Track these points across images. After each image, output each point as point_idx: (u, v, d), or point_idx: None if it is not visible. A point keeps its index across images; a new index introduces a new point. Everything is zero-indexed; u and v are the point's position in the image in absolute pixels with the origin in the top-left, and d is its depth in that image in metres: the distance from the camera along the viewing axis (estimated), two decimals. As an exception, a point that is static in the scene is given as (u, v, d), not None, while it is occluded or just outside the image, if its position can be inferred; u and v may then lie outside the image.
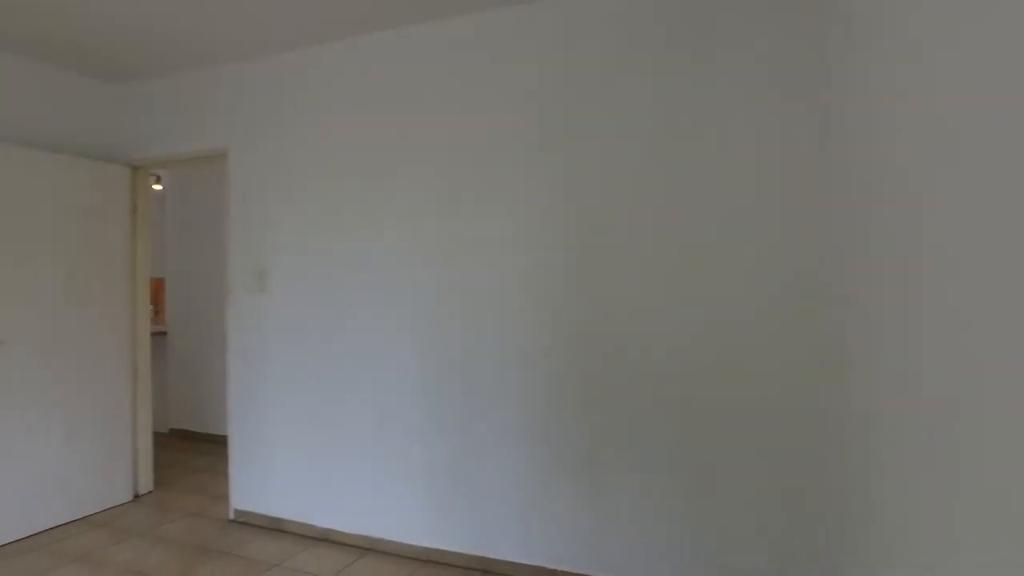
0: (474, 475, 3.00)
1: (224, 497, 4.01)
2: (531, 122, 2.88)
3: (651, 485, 2.66)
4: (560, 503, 2.83)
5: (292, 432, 3.46)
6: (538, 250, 2.87)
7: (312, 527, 3.39)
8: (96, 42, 3.32)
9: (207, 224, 5.51)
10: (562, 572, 2.81)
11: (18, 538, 3.40)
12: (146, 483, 4.11)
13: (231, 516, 3.66)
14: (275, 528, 3.50)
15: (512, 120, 2.92)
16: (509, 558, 2.92)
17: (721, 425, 2.55)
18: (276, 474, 3.51)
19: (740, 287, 2.53)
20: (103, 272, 3.81)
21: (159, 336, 5.74)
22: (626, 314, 2.70)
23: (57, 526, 3.58)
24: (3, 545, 3.31)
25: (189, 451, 5.17)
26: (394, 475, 3.19)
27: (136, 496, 4.03)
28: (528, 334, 2.88)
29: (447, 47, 3.07)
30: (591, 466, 2.77)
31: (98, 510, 3.78)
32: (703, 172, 2.58)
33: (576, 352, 2.80)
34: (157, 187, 5.82)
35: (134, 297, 4.02)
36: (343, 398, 3.31)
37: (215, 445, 5.33)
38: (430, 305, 3.10)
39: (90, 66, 3.71)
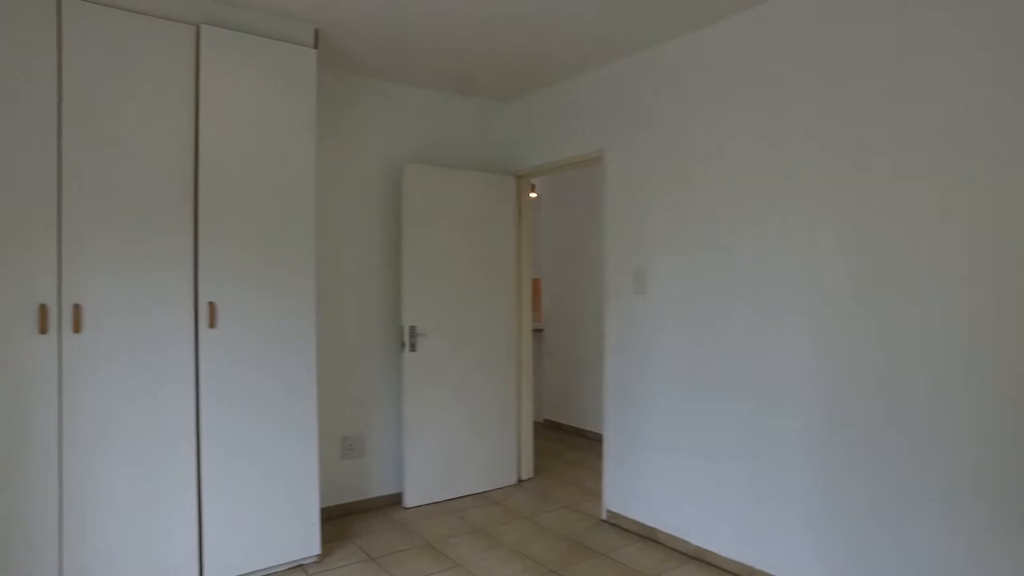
0: (880, 521, 2.44)
1: (596, 495, 4.09)
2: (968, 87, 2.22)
3: None
4: (1026, 579, 2.11)
5: (667, 439, 3.32)
6: (991, 239, 2.19)
7: (686, 543, 3.20)
8: (490, 72, 3.66)
9: (578, 227, 5.78)
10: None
11: (434, 501, 3.93)
12: (527, 470, 4.43)
13: (603, 516, 3.68)
14: (647, 536, 3.41)
15: (942, 91, 2.29)
16: (941, 633, 2.30)
17: None
18: (650, 480, 3.41)
19: None
20: (496, 273, 4.21)
21: (536, 332, 6.24)
22: None
23: (461, 496, 4.05)
24: (426, 505, 3.87)
25: (561, 442, 5.48)
26: (779, 503, 2.80)
27: (519, 481, 4.36)
28: (976, 351, 2.22)
29: (848, 13, 2.56)
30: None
31: (490, 488, 4.18)
32: None
33: (1055, 378, 2.05)
34: (532, 195, 6.34)
35: (519, 296, 4.36)
36: (722, 411, 3.04)
37: (585, 440, 5.55)
38: (830, 317, 2.63)
39: (485, 92, 4.13)
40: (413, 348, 3.80)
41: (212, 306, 2.75)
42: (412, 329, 3.80)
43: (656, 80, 3.37)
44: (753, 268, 2.91)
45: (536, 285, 6.50)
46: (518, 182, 4.37)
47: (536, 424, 6.13)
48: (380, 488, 3.89)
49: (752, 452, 2.91)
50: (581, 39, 3.30)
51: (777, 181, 2.82)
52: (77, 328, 2.49)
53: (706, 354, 3.11)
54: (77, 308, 2.49)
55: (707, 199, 3.12)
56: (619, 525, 3.58)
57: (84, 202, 2.51)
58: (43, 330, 2.43)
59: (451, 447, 3.99)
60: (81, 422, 2.50)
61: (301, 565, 3.02)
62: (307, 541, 3.02)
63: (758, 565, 2.88)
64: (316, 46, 3.10)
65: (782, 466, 2.80)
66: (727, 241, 3.02)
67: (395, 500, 3.93)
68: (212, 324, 2.75)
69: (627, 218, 3.54)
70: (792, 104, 2.77)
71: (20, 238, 2.40)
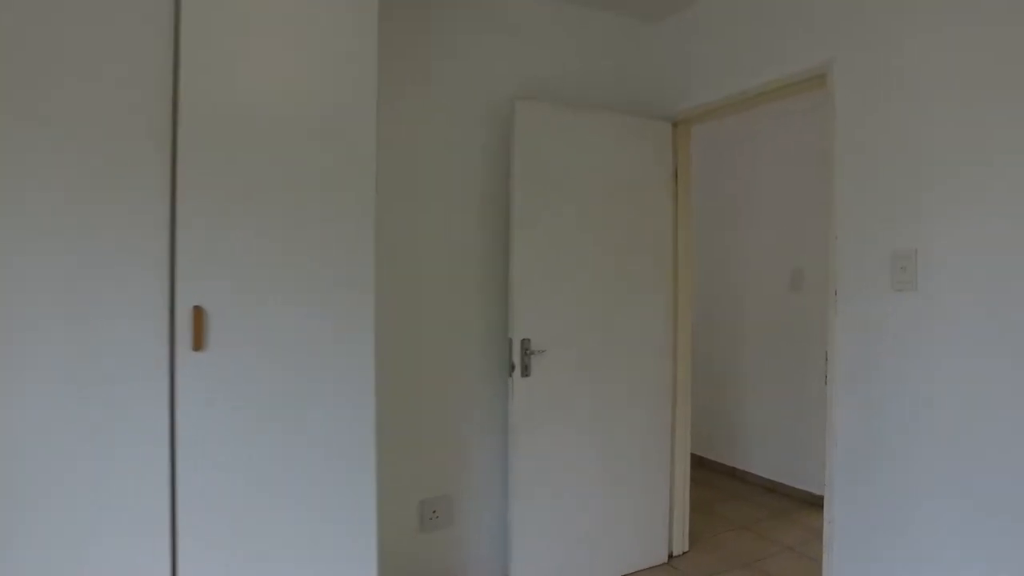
0: None
1: (793, 592, 2.73)
2: None
3: None
4: None
5: (967, 540, 1.92)
6: None
7: None
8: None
9: (731, 202, 4.36)
10: None
11: (548, 596, 2.70)
12: (681, 541, 3.11)
13: (823, 640, 2.33)
14: None
15: None
16: None
17: None
18: (919, 607, 2.03)
19: None
20: (645, 261, 2.90)
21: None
22: None
23: (587, 586, 2.80)
24: (534, 602, 2.65)
25: (711, 487, 4.11)
26: None
27: (670, 557, 3.05)
28: None
29: None
30: None
31: (631, 571, 2.90)
32: None
33: None
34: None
35: (676, 294, 3.04)
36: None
37: (740, 484, 4.16)
38: None
39: (627, 5, 2.85)
40: (526, 372, 2.57)
41: (199, 315, 1.62)
42: (525, 344, 2.57)
43: (947, -71, 1.95)
44: None
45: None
46: (675, 130, 3.03)
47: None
48: (476, 570, 2.70)
49: None
50: None
51: None
52: (-43, 353, 1.41)
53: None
54: (-45, 318, 1.42)
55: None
56: (852, 663, 2.22)
57: (-30, 131, 1.43)
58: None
59: (578, 511, 2.74)
60: (-30, 515, 1.43)
61: None
62: None
63: None
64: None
65: None
66: None
67: (497, 588, 2.73)
68: (199, 344, 1.62)
69: (879, 167, 2.14)
70: None
71: None
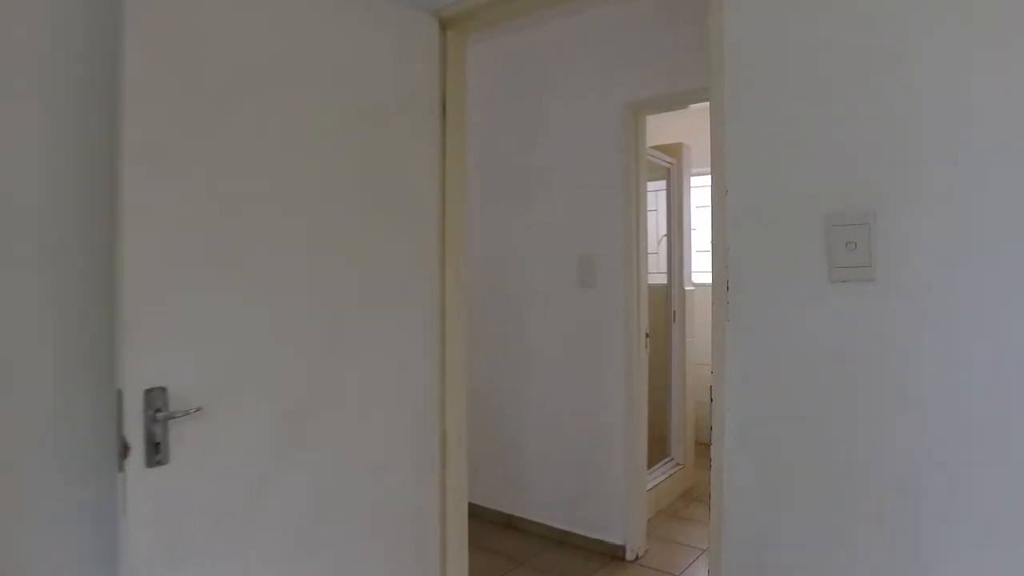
0: None
1: None
2: None
3: None
4: None
5: None
6: None
7: None
8: None
9: (514, 160, 3.37)
10: None
11: None
12: (456, 670, 2.03)
13: None
14: None
15: None
16: None
17: None
18: None
19: None
20: (391, 241, 1.75)
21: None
22: None
23: None
24: None
25: (484, 549, 3.07)
26: None
27: None
28: None
29: None
30: None
31: None
32: None
33: None
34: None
35: (444, 295, 1.93)
36: None
37: (521, 538, 3.20)
38: None
39: None
40: (158, 456, 1.25)
41: None
42: (152, 400, 1.23)
43: None
44: None
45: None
46: (445, 36, 1.92)
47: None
48: None
49: None
50: None
51: None
52: None
53: None
54: None
55: None
56: None
57: None
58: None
59: None
60: None
61: None
62: None
63: None
64: None
65: None
66: None
67: None
68: None
69: (800, 77, 1.27)
70: None
71: None
